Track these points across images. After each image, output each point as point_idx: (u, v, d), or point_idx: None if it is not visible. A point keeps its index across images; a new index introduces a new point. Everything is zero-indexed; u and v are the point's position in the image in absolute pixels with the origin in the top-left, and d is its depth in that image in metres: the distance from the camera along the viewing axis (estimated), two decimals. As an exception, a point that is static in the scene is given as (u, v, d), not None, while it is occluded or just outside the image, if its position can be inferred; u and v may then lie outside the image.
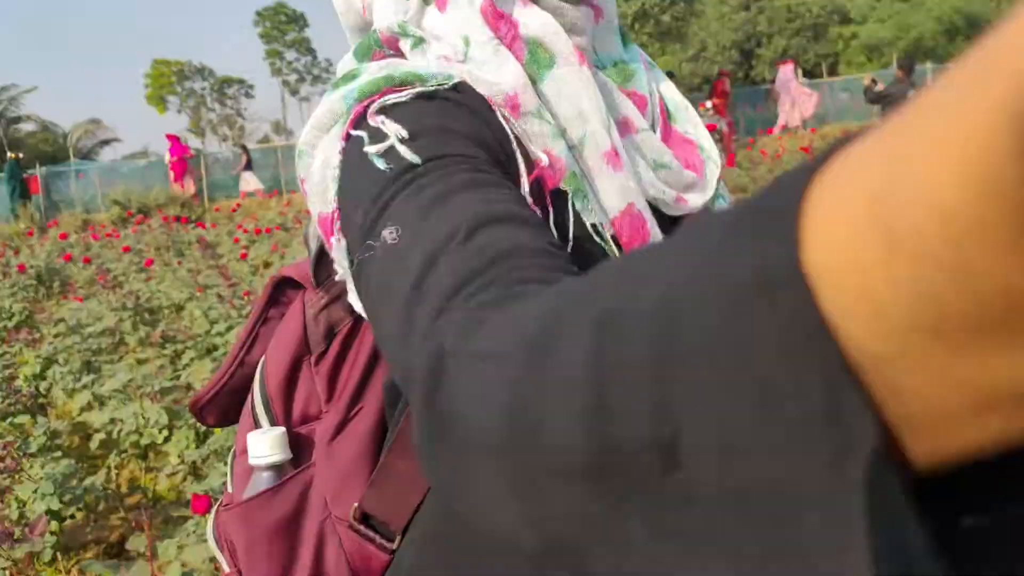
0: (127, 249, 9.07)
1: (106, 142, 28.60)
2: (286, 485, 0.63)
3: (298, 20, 49.04)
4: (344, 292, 0.59)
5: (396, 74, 0.50)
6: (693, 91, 21.75)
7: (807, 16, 25.59)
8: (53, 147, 25.84)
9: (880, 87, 9.57)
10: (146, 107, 50.25)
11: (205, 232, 10.62)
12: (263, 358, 0.69)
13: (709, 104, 11.81)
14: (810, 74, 19.05)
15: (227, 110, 47.50)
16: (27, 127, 28.52)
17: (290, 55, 49.62)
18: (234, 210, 14.42)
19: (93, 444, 2.87)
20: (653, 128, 0.61)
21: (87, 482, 2.40)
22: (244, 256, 7.91)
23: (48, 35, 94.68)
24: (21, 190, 17.63)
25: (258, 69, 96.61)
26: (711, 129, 11.11)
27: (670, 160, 0.59)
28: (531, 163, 0.52)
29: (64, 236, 10.40)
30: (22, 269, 8.32)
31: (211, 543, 0.67)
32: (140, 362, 3.65)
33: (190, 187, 18.22)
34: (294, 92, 50.85)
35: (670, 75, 0.87)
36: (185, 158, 18.85)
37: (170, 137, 19.72)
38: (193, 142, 40.55)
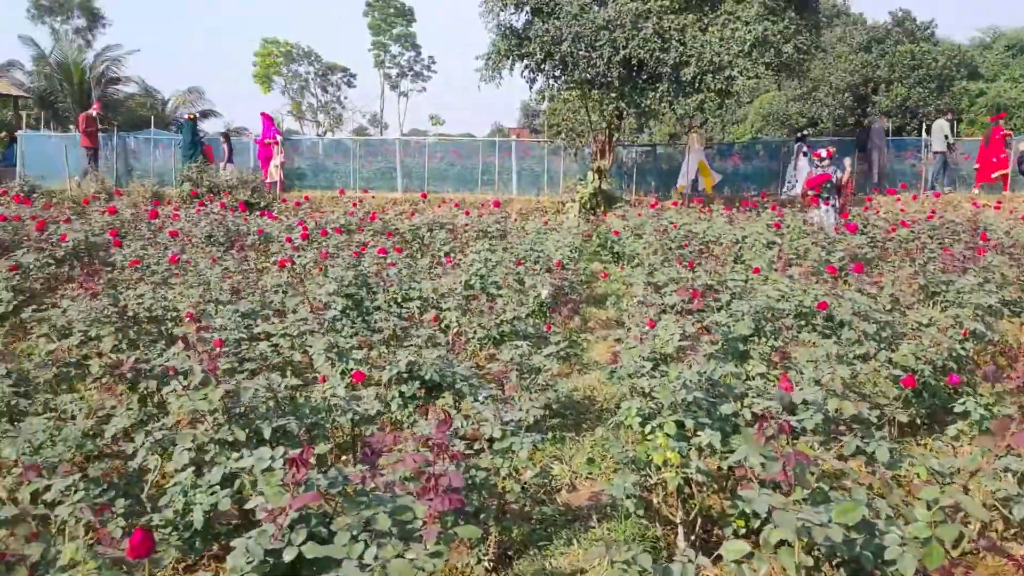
0: (174, 234, 8.61)
1: (205, 114, 28.84)
2: None
3: (406, 14, 49.26)
4: None
5: None
6: (797, 132, 20.49)
7: (932, 66, 23.89)
8: (150, 112, 26.14)
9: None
10: (251, 85, 51.19)
11: (265, 223, 10.13)
12: None
13: (824, 153, 10.80)
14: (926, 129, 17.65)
15: (328, 96, 47.94)
16: (126, 89, 28.91)
17: (395, 49, 49.87)
18: (298, 204, 14.00)
19: None
20: None
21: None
22: (283, 264, 7.28)
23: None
24: (194, 152, 17.56)
25: (361, 60, 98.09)
26: (824, 179, 9.90)
27: None
28: None
29: (113, 210, 10.02)
30: (64, 239, 7.92)
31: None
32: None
33: (274, 174, 17.80)
34: (394, 86, 51.08)
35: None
36: (268, 142, 18.51)
37: (264, 116, 19.08)
38: (290, 124, 40.94)
